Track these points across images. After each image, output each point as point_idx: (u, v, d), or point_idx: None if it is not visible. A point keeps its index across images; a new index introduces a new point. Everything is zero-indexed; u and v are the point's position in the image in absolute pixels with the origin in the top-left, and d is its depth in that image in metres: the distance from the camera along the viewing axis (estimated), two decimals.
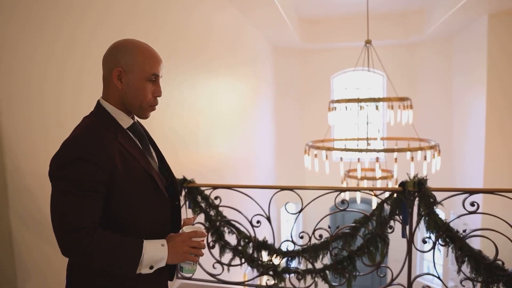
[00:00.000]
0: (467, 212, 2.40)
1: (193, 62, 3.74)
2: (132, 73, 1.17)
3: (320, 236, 2.68)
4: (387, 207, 2.58)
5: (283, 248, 2.83)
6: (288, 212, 2.73)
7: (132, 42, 1.21)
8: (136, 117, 1.29)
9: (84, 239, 1.07)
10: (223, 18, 4.63)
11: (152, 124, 2.90)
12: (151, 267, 1.13)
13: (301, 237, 2.70)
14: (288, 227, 7.60)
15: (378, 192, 2.80)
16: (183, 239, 1.18)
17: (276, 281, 2.80)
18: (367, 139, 4.82)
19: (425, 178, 2.52)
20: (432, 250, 2.54)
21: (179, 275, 2.84)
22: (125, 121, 1.23)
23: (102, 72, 1.21)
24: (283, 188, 2.72)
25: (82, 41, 2.06)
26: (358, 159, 4.55)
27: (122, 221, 1.16)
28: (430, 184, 2.54)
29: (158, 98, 1.24)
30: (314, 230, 2.66)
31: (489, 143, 5.40)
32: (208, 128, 4.21)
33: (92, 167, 1.08)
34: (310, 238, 2.69)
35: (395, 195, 2.53)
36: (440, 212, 2.51)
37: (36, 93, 1.78)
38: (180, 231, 1.23)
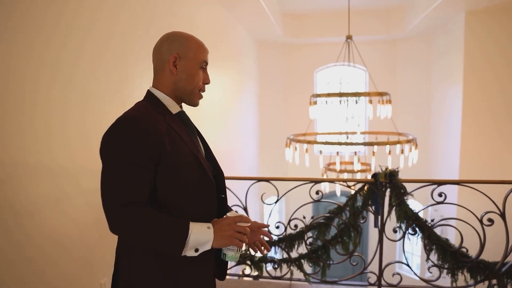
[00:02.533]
0: (435, 202, 2.51)
1: None
2: (186, 60, 1.23)
3: (296, 226, 2.76)
4: (360, 198, 2.67)
5: None
6: (264, 203, 2.79)
7: (183, 33, 1.28)
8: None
9: (133, 214, 1.07)
10: (207, 13, 4.63)
11: None
12: (196, 250, 1.11)
13: (277, 227, 2.77)
14: (270, 219, 7.68)
15: (353, 184, 2.89)
16: (229, 222, 1.16)
17: (253, 271, 2.87)
18: (347, 133, 4.92)
19: (396, 170, 2.61)
20: (402, 239, 2.65)
21: None
22: (173, 108, 1.26)
23: (153, 63, 1.27)
24: (259, 179, 2.78)
25: (76, 39, 2.07)
26: (337, 152, 4.64)
27: (169, 204, 1.16)
28: (407, 176, 2.63)
29: (206, 85, 1.30)
30: (290, 221, 2.73)
31: (464, 138, 5.55)
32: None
33: (142, 142, 1.10)
34: (285, 228, 2.77)
35: (367, 186, 2.62)
36: (417, 204, 2.61)
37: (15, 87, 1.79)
38: (224, 216, 1.20)
